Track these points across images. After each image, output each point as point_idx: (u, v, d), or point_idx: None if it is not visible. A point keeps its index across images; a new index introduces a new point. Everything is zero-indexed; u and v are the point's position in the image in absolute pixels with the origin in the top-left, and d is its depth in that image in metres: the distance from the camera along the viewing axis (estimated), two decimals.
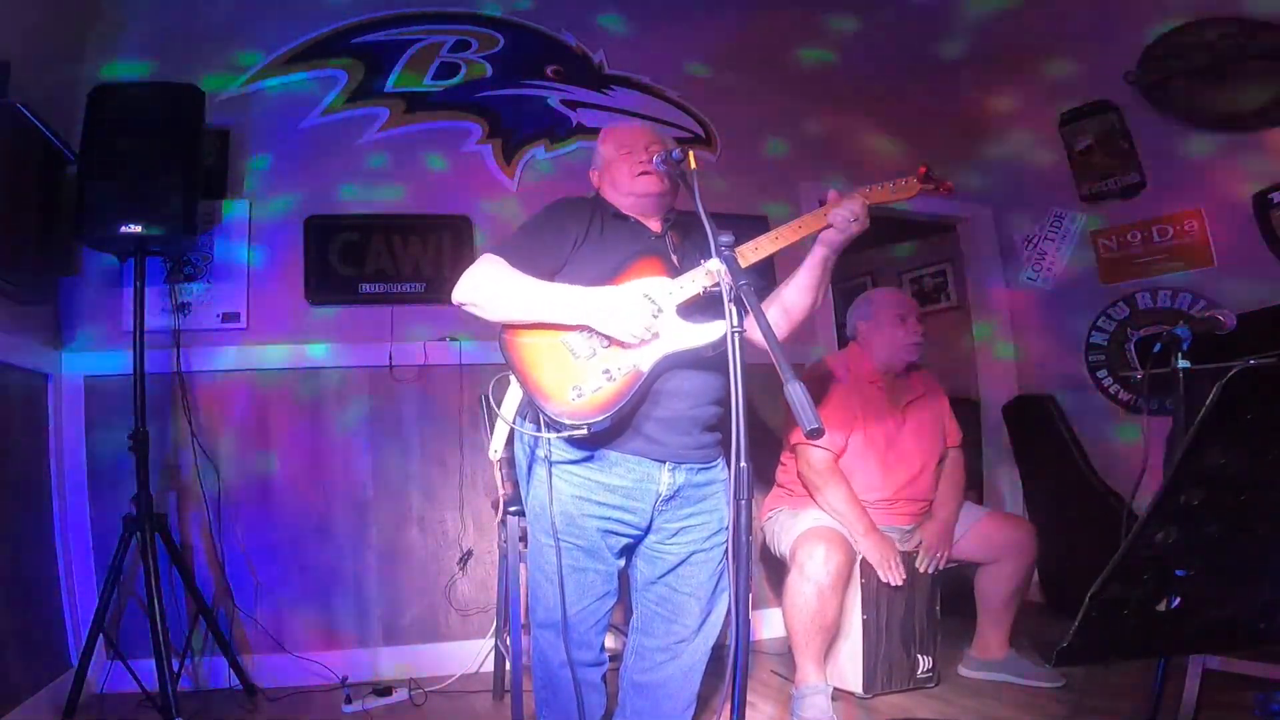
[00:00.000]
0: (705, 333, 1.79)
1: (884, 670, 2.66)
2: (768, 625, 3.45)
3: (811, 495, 2.74)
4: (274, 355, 3.11)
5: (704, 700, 2.13)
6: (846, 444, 2.76)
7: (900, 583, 2.58)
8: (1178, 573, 1.28)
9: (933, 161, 2.07)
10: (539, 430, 1.81)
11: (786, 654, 2.79)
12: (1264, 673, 2.19)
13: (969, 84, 4.19)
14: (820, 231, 1.91)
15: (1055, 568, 3.57)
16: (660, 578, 1.96)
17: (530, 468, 1.93)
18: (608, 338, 1.80)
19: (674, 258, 1.97)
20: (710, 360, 1.84)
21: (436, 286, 3.24)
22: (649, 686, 1.99)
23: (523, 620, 2.43)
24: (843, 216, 1.86)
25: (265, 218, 3.18)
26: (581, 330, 1.81)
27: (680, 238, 2.04)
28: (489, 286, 1.84)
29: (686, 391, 1.86)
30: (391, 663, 3.05)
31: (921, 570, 2.68)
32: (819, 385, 2.80)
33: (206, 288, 3.08)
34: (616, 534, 1.89)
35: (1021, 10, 3.75)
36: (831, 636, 2.56)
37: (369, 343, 3.18)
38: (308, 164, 3.25)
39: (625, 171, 2.00)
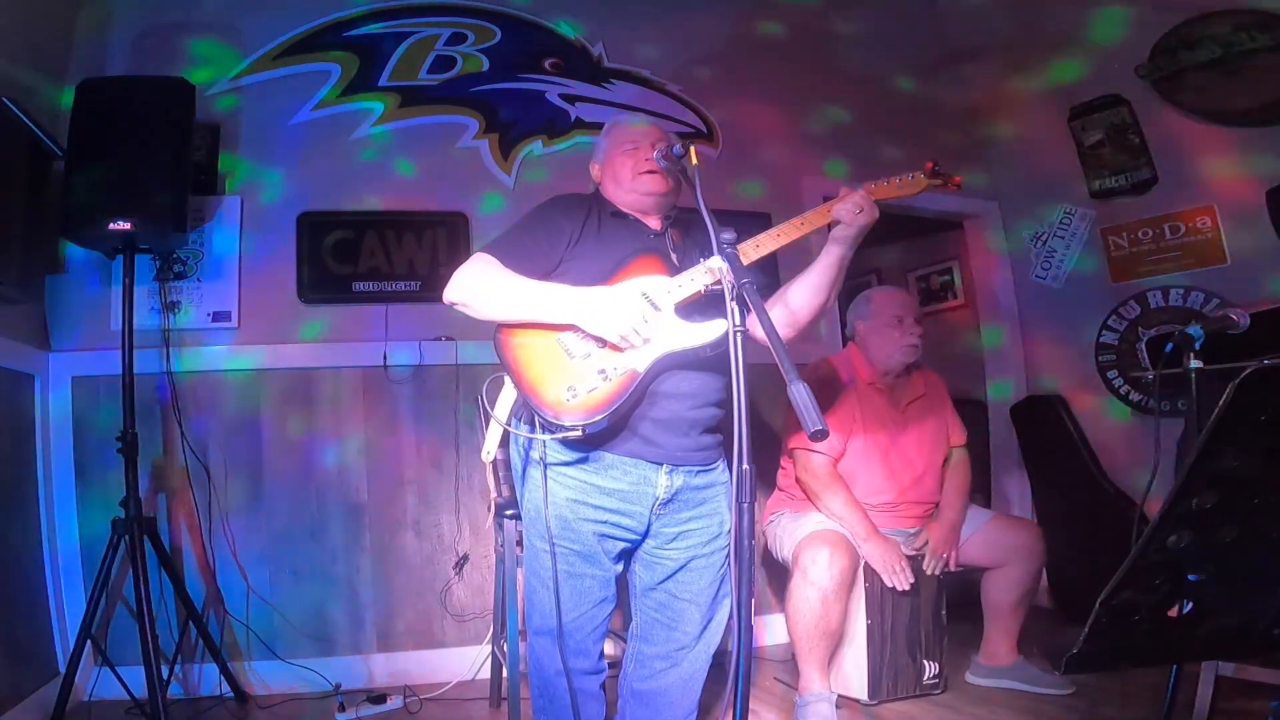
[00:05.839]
0: (704, 332, 1.76)
1: (889, 677, 2.62)
2: (770, 631, 3.41)
3: (811, 501, 2.70)
4: (266, 355, 3.06)
5: (705, 708, 2.11)
6: (845, 447, 2.72)
7: (906, 587, 2.54)
8: (1190, 577, 1.25)
9: (940, 157, 2.02)
10: (533, 431, 1.77)
11: (790, 661, 2.75)
12: (1277, 679, 2.18)
13: (976, 78, 4.14)
14: (827, 228, 1.87)
15: (1064, 572, 3.52)
16: (659, 584, 1.92)
17: (525, 470, 1.90)
18: (599, 338, 1.74)
19: (673, 256, 1.93)
20: (709, 360, 1.80)
21: (432, 285, 3.18)
22: (649, 695, 1.95)
23: (520, 626, 2.38)
24: (847, 210, 1.81)
25: (257, 214, 3.13)
26: (575, 329, 1.76)
27: (680, 235, 2.00)
28: (480, 286, 1.80)
29: (685, 392, 1.82)
30: (386, 669, 3.00)
31: (928, 573, 2.64)
32: (817, 386, 2.74)
33: (197, 286, 3.04)
34: (613, 538, 1.85)
35: (1030, 4, 3.70)
36: (835, 642, 2.52)
37: (363, 342, 3.14)
38: (300, 160, 3.20)
39: (629, 168, 1.96)
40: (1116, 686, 2.60)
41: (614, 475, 1.80)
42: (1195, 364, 1.97)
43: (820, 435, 1.18)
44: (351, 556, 3.07)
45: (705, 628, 1.93)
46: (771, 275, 2.73)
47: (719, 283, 1.50)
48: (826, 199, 1.88)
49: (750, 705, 1.35)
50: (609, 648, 2.39)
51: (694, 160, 1.71)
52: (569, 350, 1.75)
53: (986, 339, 4.31)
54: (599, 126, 2.17)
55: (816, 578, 2.43)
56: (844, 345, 3.19)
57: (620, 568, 1.92)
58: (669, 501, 1.85)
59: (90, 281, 2.96)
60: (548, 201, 1.99)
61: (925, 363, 2.92)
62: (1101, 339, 3.75)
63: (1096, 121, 3.69)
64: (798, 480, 2.73)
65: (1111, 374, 3.71)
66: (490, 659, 2.89)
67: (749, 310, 1.39)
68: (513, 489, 2.08)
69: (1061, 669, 1.22)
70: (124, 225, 2.54)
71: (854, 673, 2.62)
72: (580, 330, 1.76)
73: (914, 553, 2.67)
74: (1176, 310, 3.46)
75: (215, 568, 2.91)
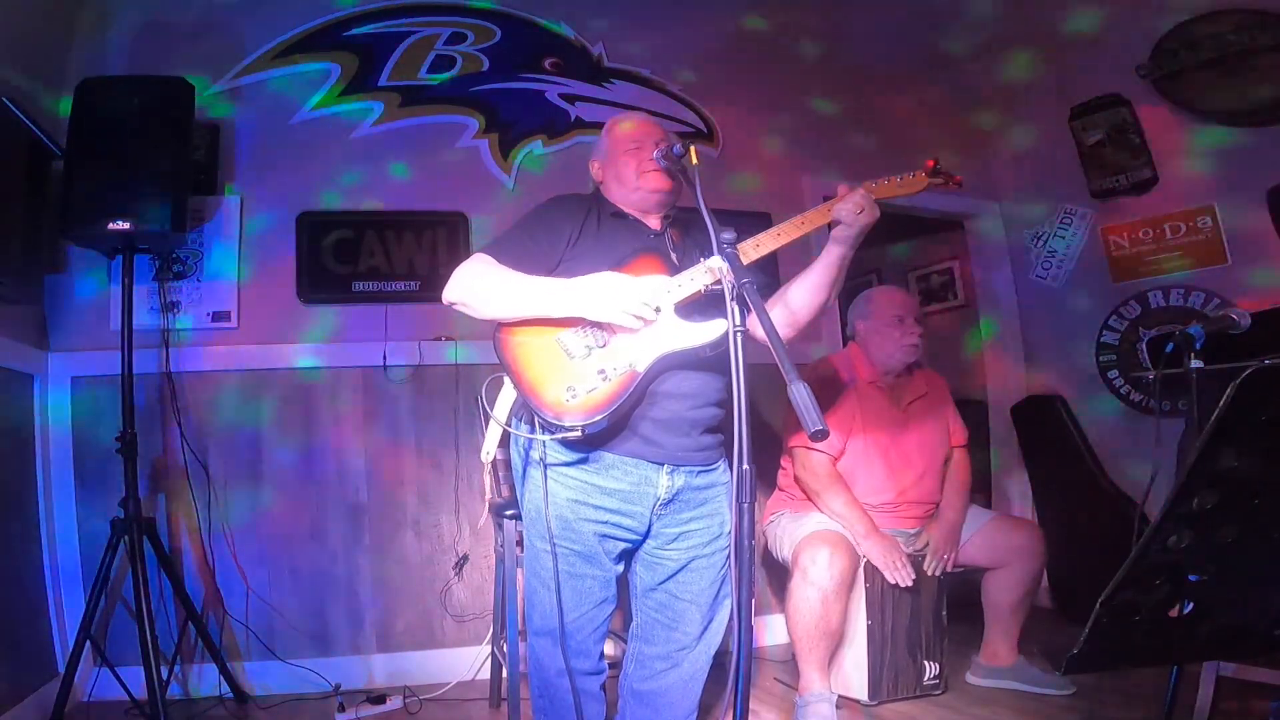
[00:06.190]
0: (704, 332, 1.75)
1: (890, 677, 2.61)
2: (770, 632, 3.40)
3: (811, 500, 2.69)
4: (265, 355, 3.06)
5: (706, 709, 2.10)
6: (845, 447, 2.72)
7: (908, 583, 2.53)
8: (1191, 578, 1.26)
9: (940, 156, 2.01)
10: (533, 432, 1.76)
11: (790, 661, 2.74)
12: (1278, 680, 2.17)
13: (977, 77, 4.13)
14: (827, 228, 1.87)
15: (1065, 572, 3.52)
16: (660, 584, 1.92)
17: (525, 470, 1.89)
18: (603, 331, 1.75)
19: (673, 256, 1.93)
20: (709, 360, 1.79)
21: (431, 285, 3.17)
22: (649, 695, 1.95)
23: (520, 626, 2.37)
24: (848, 210, 1.80)
25: (256, 214, 3.13)
26: (576, 328, 1.76)
27: (680, 235, 2.00)
28: (479, 285, 1.79)
29: (685, 392, 1.81)
30: (385, 670, 3.00)
31: (930, 573, 2.63)
32: (818, 386, 2.73)
33: (196, 286, 3.03)
34: (614, 539, 1.84)
35: (1032, 3, 3.69)
36: (836, 643, 2.52)
37: (362, 342, 3.13)
38: (300, 159, 3.20)
39: (632, 167, 1.95)
40: (1117, 687, 2.59)
41: (615, 475, 1.79)
42: (1196, 364, 1.96)
43: (820, 435, 1.17)
44: (351, 557, 3.06)
45: (706, 628, 1.93)
46: (771, 275, 2.73)
47: (719, 282, 1.50)
48: (826, 199, 1.87)
49: (750, 705, 1.35)
50: (609, 648, 2.38)
51: (694, 160, 1.71)
52: (568, 350, 1.75)
53: (987, 339, 4.30)
54: (599, 126, 2.16)
55: (816, 578, 2.42)
56: (844, 345, 3.19)
57: (621, 568, 1.91)
58: (670, 502, 1.84)
59: (90, 281, 2.95)
60: (547, 201, 1.98)
61: (926, 362, 2.92)
62: (1102, 339, 3.74)
63: (1097, 121, 3.68)
64: (797, 479, 2.72)
65: (1112, 374, 3.71)
66: (490, 659, 2.89)
67: (749, 310, 1.39)
68: (513, 489, 2.07)
69: (1062, 669, 1.22)
70: (123, 225, 2.53)
71: (854, 673, 2.62)
72: (581, 327, 1.76)
73: (914, 553, 2.66)
74: (1177, 310, 3.45)
75: (214, 568, 2.90)
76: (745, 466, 1.28)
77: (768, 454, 2.91)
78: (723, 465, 1.94)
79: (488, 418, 1.90)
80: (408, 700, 2.75)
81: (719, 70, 3.79)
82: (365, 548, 3.08)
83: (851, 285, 4.97)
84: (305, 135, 3.23)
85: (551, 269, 1.84)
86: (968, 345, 4.56)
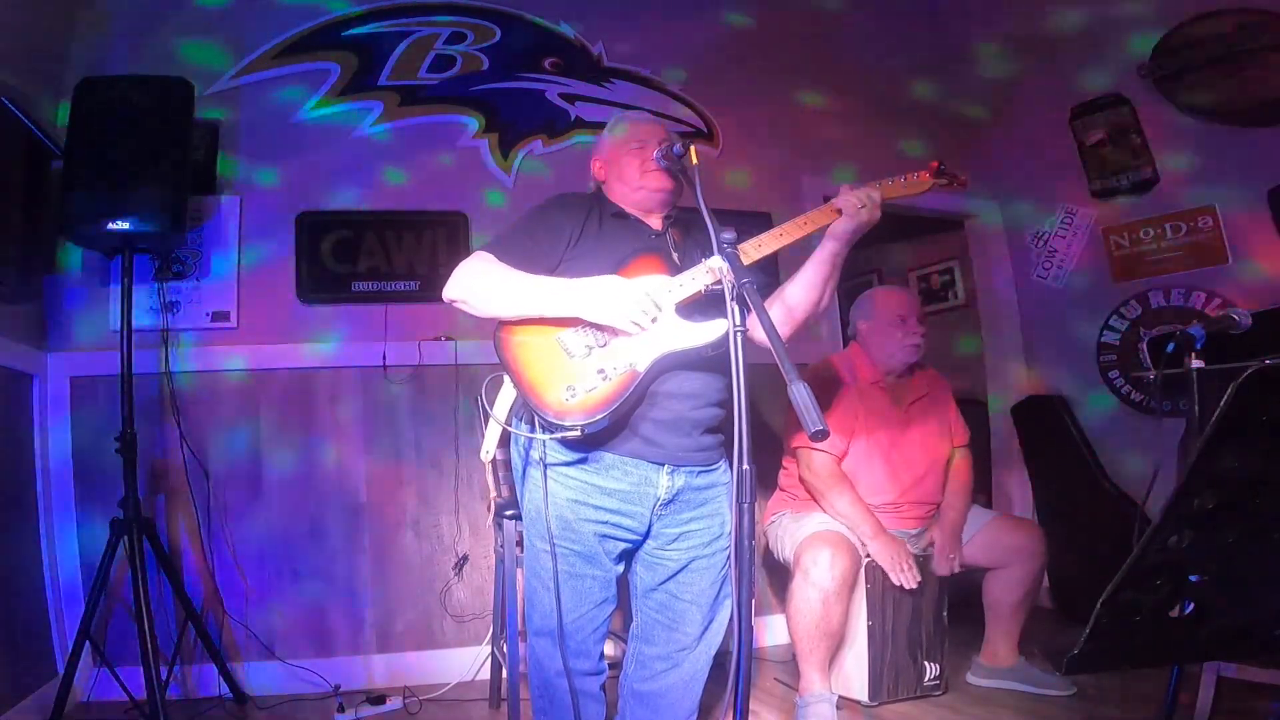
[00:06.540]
0: (705, 332, 1.75)
1: (890, 678, 2.61)
2: (771, 632, 3.40)
3: (815, 500, 2.69)
4: (265, 355, 3.06)
5: (706, 709, 2.09)
6: (848, 447, 2.71)
7: (914, 585, 2.53)
8: (1191, 578, 1.25)
9: (941, 156, 2.01)
10: (532, 431, 1.76)
11: (790, 662, 2.75)
12: (1278, 680, 2.17)
13: (978, 77, 4.13)
14: (828, 226, 1.86)
15: (1065, 573, 3.52)
16: (660, 584, 1.91)
17: (525, 470, 1.89)
18: (603, 331, 1.75)
19: (674, 256, 1.93)
20: (710, 360, 1.79)
21: (431, 284, 3.17)
22: (650, 695, 1.95)
23: (520, 627, 2.37)
24: (852, 202, 1.81)
25: (256, 214, 3.13)
26: (576, 327, 1.76)
27: (681, 235, 2.00)
28: (479, 284, 1.79)
29: (686, 392, 1.81)
30: (385, 670, 3.00)
31: (945, 573, 2.63)
32: (819, 386, 2.74)
33: (195, 286, 3.03)
34: (614, 539, 1.84)
35: (1032, 2, 3.69)
36: (836, 643, 2.51)
37: (362, 342, 3.13)
38: (300, 159, 3.20)
39: (635, 166, 1.95)
40: (1117, 687, 2.59)
41: (615, 476, 1.79)
42: (1196, 364, 1.96)
43: (820, 435, 1.17)
44: (351, 557, 3.06)
45: (706, 629, 1.93)
46: (771, 275, 2.73)
47: (719, 282, 1.50)
48: (827, 199, 1.88)
49: (751, 706, 1.35)
50: (609, 648, 2.38)
51: (694, 160, 1.70)
52: (569, 349, 1.75)
53: (987, 338, 4.30)
54: (599, 126, 2.16)
55: (818, 578, 2.42)
56: (845, 345, 3.18)
57: (621, 568, 1.91)
58: (670, 502, 1.84)
59: (89, 281, 2.95)
60: (548, 201, 1.98)
61: (928, 363, 2.92)
62: (1103, 339, 3.73)
63: (1098, 121, 3.67)
64: (802, 480, 2.71)
65: (1113, 374, 3.70)
66: (490, 659, 2.89)
67: (749, 310, 1.39)
68: (513, 489, 2.07)
69: (1062, 669, 1.21)
70: (122, 225, 2.53)
71: (855, 674, 2.61)
72: (581, 326, 1.75)
73: (918, 553, 2.66)
74: (1178, 310, 3.44)
75: (214, 568, 2.90)
76: (745, 466, 1.28)
77: (768, 454, 2.90)
78: (723, 465, 1.94)
79: (488, 417, 1.90)
80: (407, 701, 2.74)
81: (719, 70, 3.79)
82: (365, 548, 3.07)
83: (852, 285, 4.99)
84: (305, 135, 3.23)
85: (552, 268, 1.84)
86: (968, 345, 4.55)
